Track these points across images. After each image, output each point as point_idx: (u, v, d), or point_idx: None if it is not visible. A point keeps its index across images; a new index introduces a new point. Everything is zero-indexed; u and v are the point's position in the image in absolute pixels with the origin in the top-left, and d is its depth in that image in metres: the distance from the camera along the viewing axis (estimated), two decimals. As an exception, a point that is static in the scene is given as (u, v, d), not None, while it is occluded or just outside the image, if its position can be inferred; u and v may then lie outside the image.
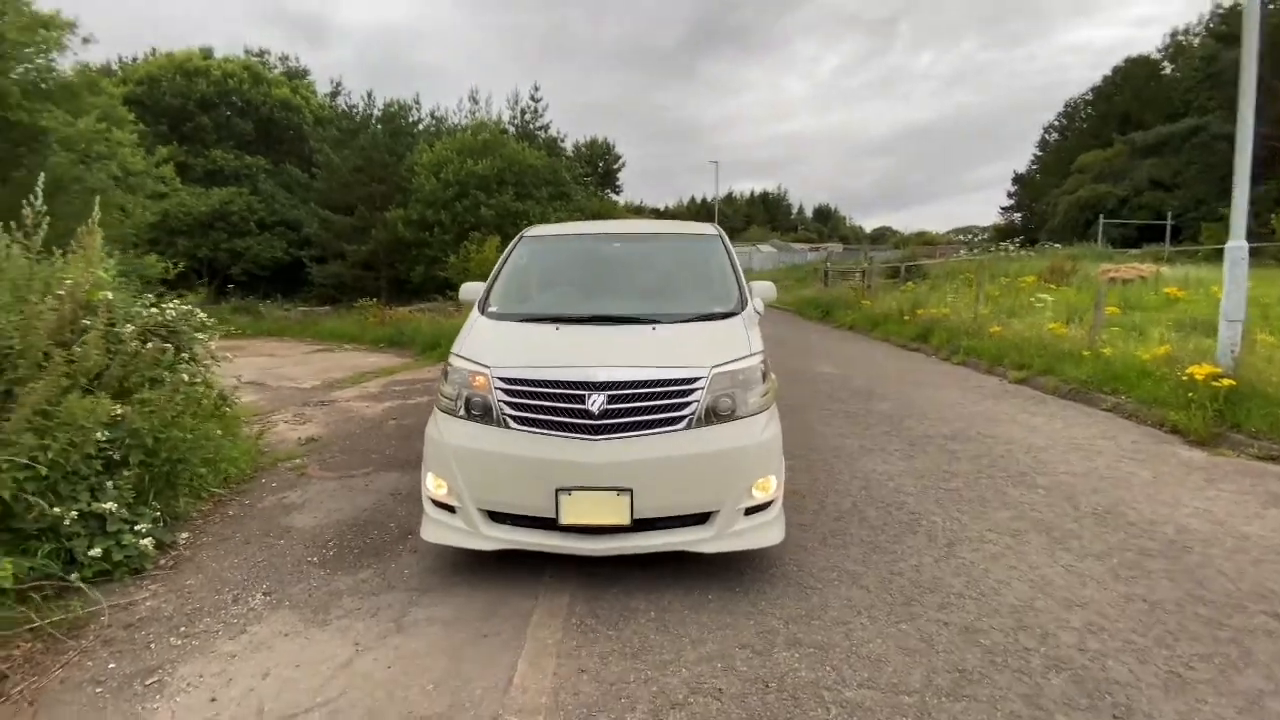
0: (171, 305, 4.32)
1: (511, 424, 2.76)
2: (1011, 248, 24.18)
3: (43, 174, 4.24)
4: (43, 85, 9.51)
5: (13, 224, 3.56)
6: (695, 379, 2.78)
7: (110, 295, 3.83)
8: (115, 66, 21.41)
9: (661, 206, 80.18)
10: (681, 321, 3.28)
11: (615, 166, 32.48)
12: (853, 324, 14.84)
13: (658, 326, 3.19)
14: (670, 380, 2.77)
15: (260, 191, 19.78)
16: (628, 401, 2.71)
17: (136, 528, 2.99)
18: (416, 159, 18.19)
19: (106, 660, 2.35)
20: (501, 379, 2.82)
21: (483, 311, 3.47)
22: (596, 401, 2.69)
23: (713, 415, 2.78)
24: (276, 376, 9.17)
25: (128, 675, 2.26)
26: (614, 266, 4.01)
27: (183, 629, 2.56)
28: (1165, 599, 2.75)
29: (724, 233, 4.35)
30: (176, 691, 2.17)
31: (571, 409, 2.71)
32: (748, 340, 3.10)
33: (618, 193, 34.13)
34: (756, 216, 77.83)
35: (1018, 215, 36.17)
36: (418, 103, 20.92)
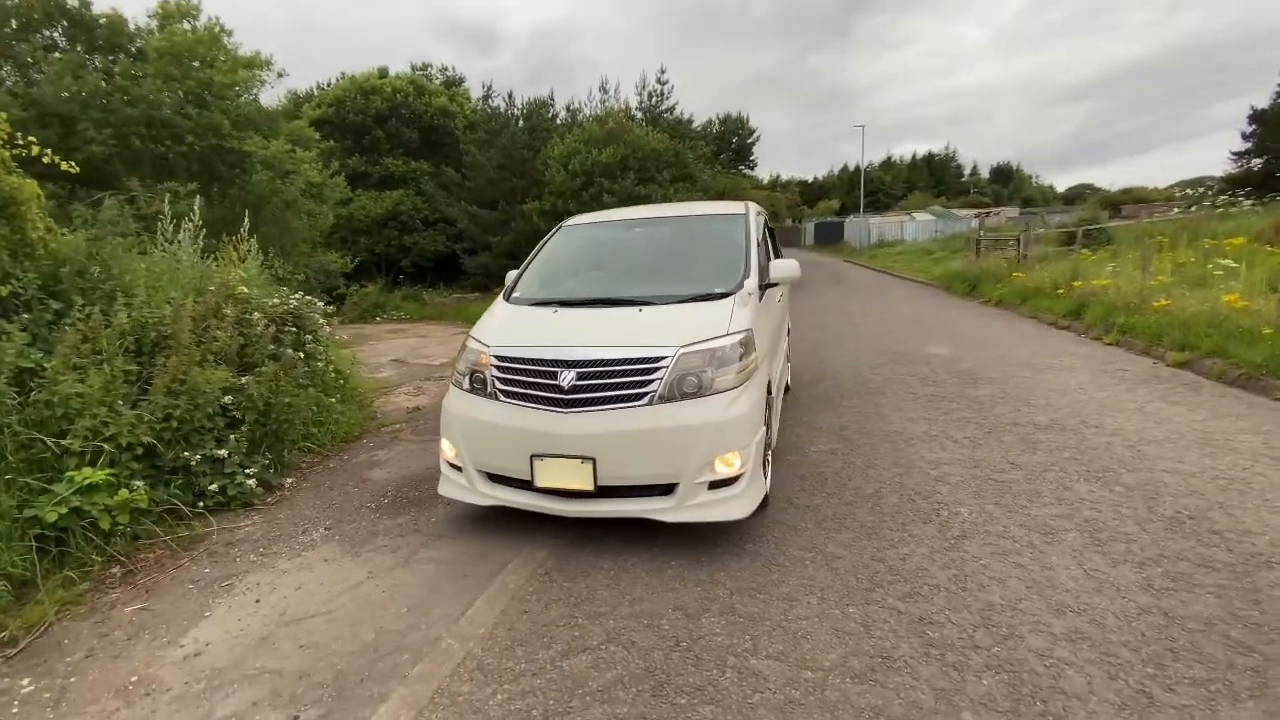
0: (295, 297, 5.31)
1: (500, 397, 3.12)
2: (1246, 202, 19.69)
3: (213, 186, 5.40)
4: (246, 116, 11.71)
5: (171, 230, 4.63)
6: (660, 358, 2.92)
7: (246, 290, 4.85)
8: (314, 91, 25.54)
9: (810, 178, 76.57)
10: (674, 302, 3.39)
11: (750, 141, 31.70)
12: (1000, 299, 13.28)
13: (645, 308, 3.34)
14: (635, 359, 2.94)
15: (424, 192, 22.43)
16: (595, 378, 2.94)
17: (247, 471, 3.85)
18: (549, 153, 19.39)
19: (205, 567, 3.13)
20: (496, 357, 3.19)
21: (506, 298, 3.86)
22: (567, 378, 2.95)
23: (677, 392, 2.90)
24: (417, 355, 10.55)
25: (213, 579, 3.00)
26: (631, 251, 4.19)
27: (261, 550, 3.29)
28: (1191, 613, 2.38)
29: (754, 210, 4.32)
30: (237, 593, 2.86)
31: (546, 384, 3.00)
32: (729, 320, 3.14)
33: (751, 168, 33.31)
34: (919, 181, 71.13)
35: (1257, 161, 28.95)
36: (552, 99, 22.20)
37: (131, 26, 11.71)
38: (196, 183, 11.66)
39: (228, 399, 3.96)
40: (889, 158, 76.03)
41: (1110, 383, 6.07)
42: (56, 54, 9.91)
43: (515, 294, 3.88)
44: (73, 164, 4.04)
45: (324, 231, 15.41)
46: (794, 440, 4.69)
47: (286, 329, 4.98)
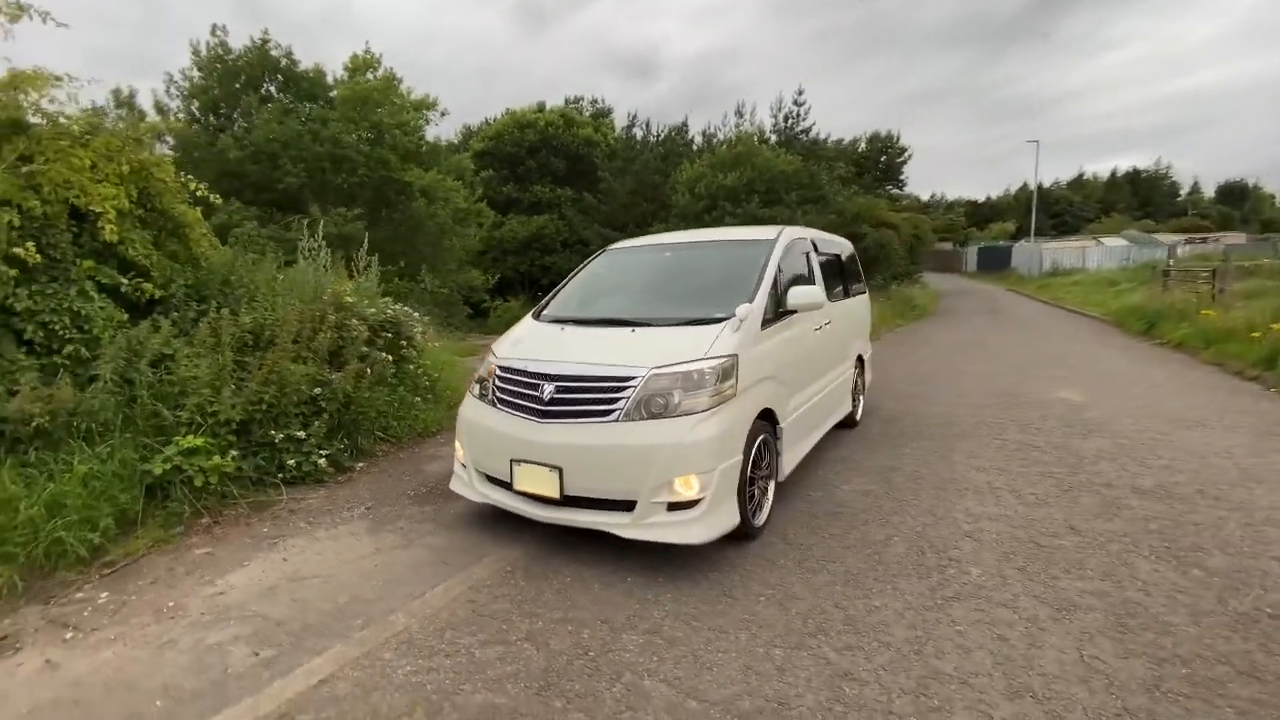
0: (395, 308, 6.11)
1: (497, 404, 3.42)
2: None
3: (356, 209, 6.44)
4: (409, 150, 13.58)
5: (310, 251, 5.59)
6: (630, 378, 3.03)
7: (351, 299, 5.70)
8: (483, 126, 28.74)
9: (982, 197, 69.91)
10: (671, 325, 3.47)
11: (900, 159, 29.78)
12: (1180, 341, 11.21)
13: (640, 329, 3.46)
14: (608, 377, 3.07)
15: (565, 217, 24.16)
16: (571, 392, 3.12)
17: (321, 452, 4.53)
18: (677, 177, 19.93)
19: (265, 527, 3.77)
20: (499, 367, 3.50)
21: (535, 315, 4.18)
22: (547, 390, 3.16)
23: (645, 411, 2.98)
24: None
25: (265, 537, 3.62)
26: (657, 275, 4.31)
27: (310, 519, 3.88)
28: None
29: (790, 236, 4.25)
30: (275, 551, 3.42)
31: (531, 394, 3.24)
32: (711, 345, 3.16)
33: (900, 187, 31.17)
34: (1118, 201, 61.93)
35: None
36: (686, 126, 22.83)
37: (330, 79, 14.21)
38: (363, 208, 13.77)
39: (317, 390, 4.71)
40: (1080, 175, 67.17)
41: (1273, 449, 4.96)
42: (269, 104, 12.30)
43: (544, 311, 4.19)
44: (217, 196, 5.09)
45: (471, 251, 17.26)
46: (826, 477, 4.46)
47: (383, 334, 5.77)
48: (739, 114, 22.22)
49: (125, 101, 11.77)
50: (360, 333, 5.39)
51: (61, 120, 4.39)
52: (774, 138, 22.10)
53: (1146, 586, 2.88)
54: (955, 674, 2.27)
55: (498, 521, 3.67)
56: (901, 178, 30.66)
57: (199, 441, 3.78)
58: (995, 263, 36.28)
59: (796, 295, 3.78)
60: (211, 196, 4.98)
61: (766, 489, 3.59)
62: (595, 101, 30.42)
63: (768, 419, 3.55)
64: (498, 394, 3.43)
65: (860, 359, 6.01)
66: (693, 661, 2.35)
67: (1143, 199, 62.97)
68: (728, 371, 3.11)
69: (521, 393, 3.29)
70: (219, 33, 12.30)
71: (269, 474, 4.25)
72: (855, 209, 20.30)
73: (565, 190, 25.11)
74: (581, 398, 3.09)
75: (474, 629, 2.58)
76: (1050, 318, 17.02)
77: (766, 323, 3.62)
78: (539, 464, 3.09)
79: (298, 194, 11.97)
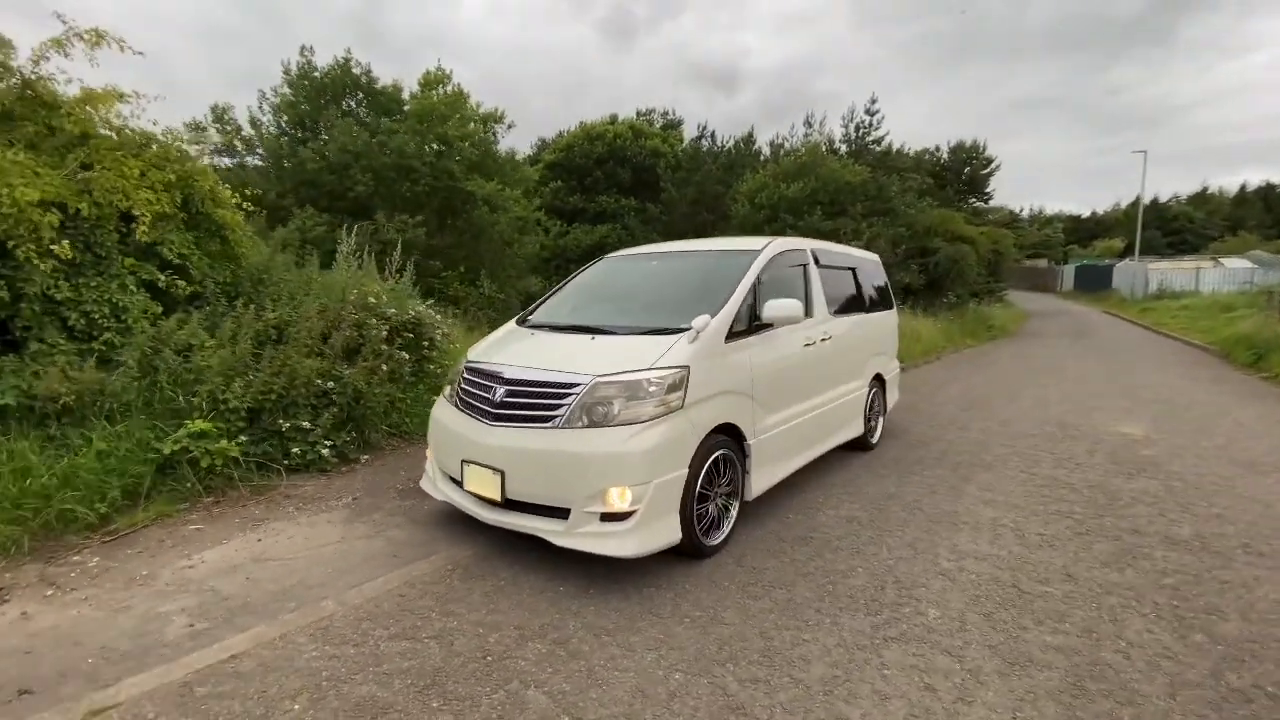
0: (419, 309, 6.39)
1: (458, 404, 3.50)
2: None
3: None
4: (473, 161, 14.19)
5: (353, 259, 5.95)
6: (574, 385, 3.02)
7: (374, 300, 6.01)
8: (557, 138, 29.69)
9: (1086, 212, 64.78)
10: (633, 334, 3.43)
11: (985, 171, 27.94)
12: (1293, 375, 9.91)
13: (601, 337, 3.45)
14: (552, 383, 3.08)
15: (627, 227, 24.45)
16: (518, 396, 3.15)
17: (326, 442, 4.80)
18: (738, 188, 19.71)
19: (257, 509, 4.02)
20: (465, 368, 3.59)
21: (518, 320, 4.25)
22: (499, 393, 3.21)
23: (584, 419, 2.96)
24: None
25: (253, 518, 3.86)
26: (638, 284, 4.27)
27: (299, 505, 4.11)
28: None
29: (777, 248, 4.12)
30: (255, 532, 3.64)
31: (485, 397, 3.29)
32: (662, 356, 3.10)
33: (985, 199, 29.21)
34: (1248, 218, 55.57)
35: None
36: (753, 137, 22.55)
37: (406, 94, 15.11)
38: (430, 216, 14.50)
39: (330, 384, 5.00)
40: (1204, 189, 60.78)
41: (1361, 503, 4.29)
42: (349, 118, 13.23)
43: (529, 316, 4.25)
44: (251, 204, 5.51)
45: (533, 259, 17.80)
46: (814, 500, 4.26)
47: (404, 334, 6.05)
48: (808, 124, 21.62)
49: (220, 115, 13.04)
50: (379, 332, 5.68)
51: (127, 132, 4.92)
52: (844, 148, 21.44)
53: (1129, 649, 2.55)
54: (858, 720, 2.10)
55: (461, 521, 3.75)
56: (987, 190, 28.81)
57: (207, 425, 4.10)
58: (1094, 282, 33.40)
59: (772, 308, 3.64)
60: (250, 205, 5.41)
61: (728, 508, 3.47)
62: (666, 113, 30.68)
63: (731, 434, 3.44)
64: (460, 394, 3.52)
65: (880, 378, 5.70)
66: (586, 676, 2.30)
67: (1277, 216, 56.11)
68: (675, 383, 3.04)
69: (477, 394, 3.35)
70: (306, 53, 13.41)
71: (275, 460, 4.54)
72: (927, 222, 19.30)
73: (630, 200, 25.41)
74: (527, 402, 3.11)
75: (391, 622, 2.64)
76: (1144, 344, 15.49)
77: (736, 335, 3.51)
78: (484, 466, 3.14)
79: (367, 202, 12.78)
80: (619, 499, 2.85)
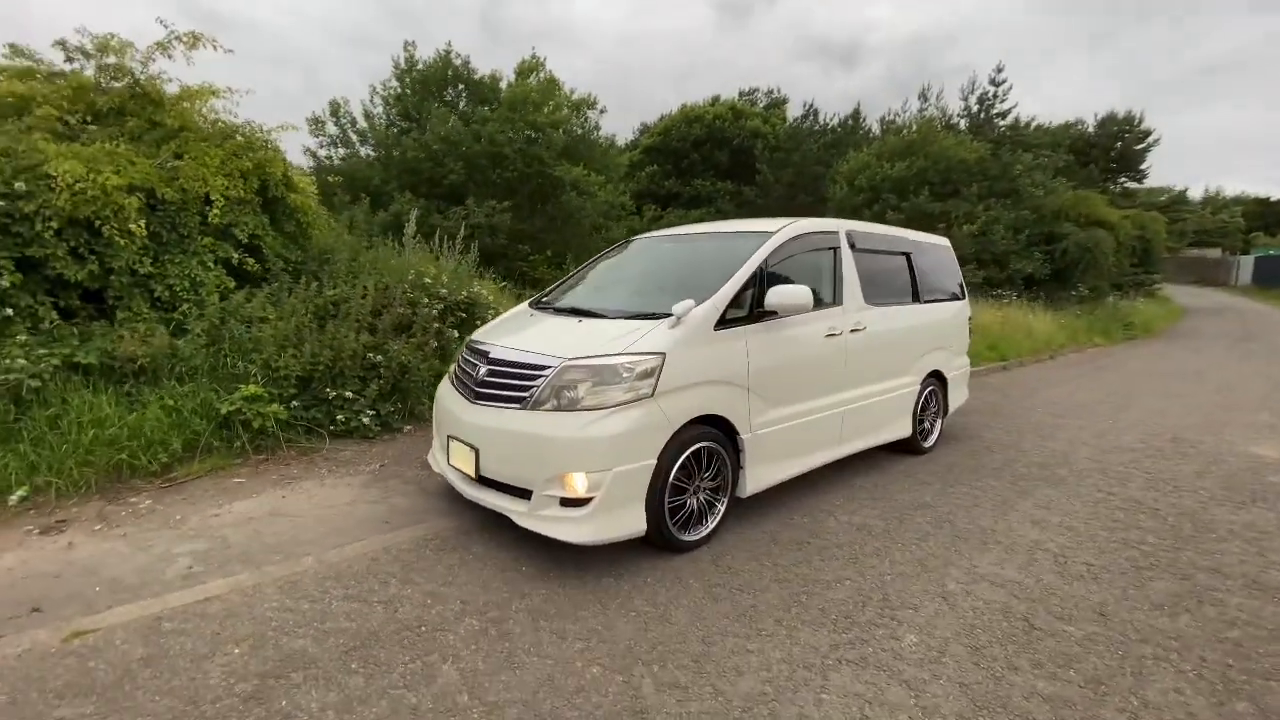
0: (473, 290, 6.65)
1: (453, 380, 3.60)
2: None
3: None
4: (562, 147, 14.49)
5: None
6: (545, 367, 3.00)
7: (429, 281, 6.32)
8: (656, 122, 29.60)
9: (1278, 194, 54.62)
10: (620, 317, 3.34)
11: (1141, 146, 24.12)
12: None
13: (588, 320, 3.39)
14: (525, 364, 3.07)
15: (722, 211, 23.92)
16: (498, 376, 3.18)
17: (369, 411, 5.15)
18: (838, 169, 18.60)
19: (295, 469, 4.40)
20: (465, 345, 3.68)
21: (532, 302, 4.28)
22: (481, 371, 3.26)
23: (551, 401, 2.94)
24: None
25: (289, 477, 4.23)
26: (649, 267, 4.14)
27: (332, 468, 4.45)
28: None
29: (792, 230, 3.81)
30: (283, 489, 3.98)
31: (470, 375, 3.36)
32: (637, 341, 2.99)
33: (1139, 179, 25.34)
34: None
35: None
36: (858, 114, 21.10)
37: (504, 84, 15.69)
38: (523, 201, 15.03)
39: (379, 358, 5.35)
40: None
41: None
42: (446, 108, 13.96)
43: (543, 298, 4.27)
44: (336, 191, 5.94)
45: (613, 244, 17.99)
46: (830, 502, 3.96)
47: (457, 313, 6.33)
48: (923, 98, 19.87)
49: (335, 110, 14.25)
50: (430, 310, 5.98)
51: (218, 124, 5.51)
52: (963, 123, 19.52)
53: (1139, 710, 2.14)
54: (765, 744, 1.92)
55: (458, 496, 3.87)
56: (1142, 167, 25.07)
57: (259, 390, 4.53)
58: (1279, 276, 28.26)
59: (776, 295, 3.38)
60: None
61: (713, 504, 3.31)
62: (771, 91, 29.54)
63: (720, 426, 3.26)
64: (456, 371, 3.61)
65: (939, 376, 5.18)
66: (504, 658, 2.29)
67: None
68: (647, 370, 2.92)
69: (467, 372, 3.43)
70: (409, 47, 14.29)
71: (321, 425, 4.94)
72: (1057, 204, 17.18)
73: (727, 184, 24.84)
74: (504, 382, 3.13)
75: (352, 584, 2.79)
76: (1331, 350, 12.92)
77: (733, 322, 3.31)
78: (464, 442, 3.21)
79: (461, 188, 13.48)
80: (577, 485, 2.80)
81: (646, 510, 2.94)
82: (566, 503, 2.84)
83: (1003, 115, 19.08)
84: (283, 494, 3.89)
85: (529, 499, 2.95)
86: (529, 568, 2.99)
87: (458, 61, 14.58)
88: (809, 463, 3.87)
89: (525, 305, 4.22)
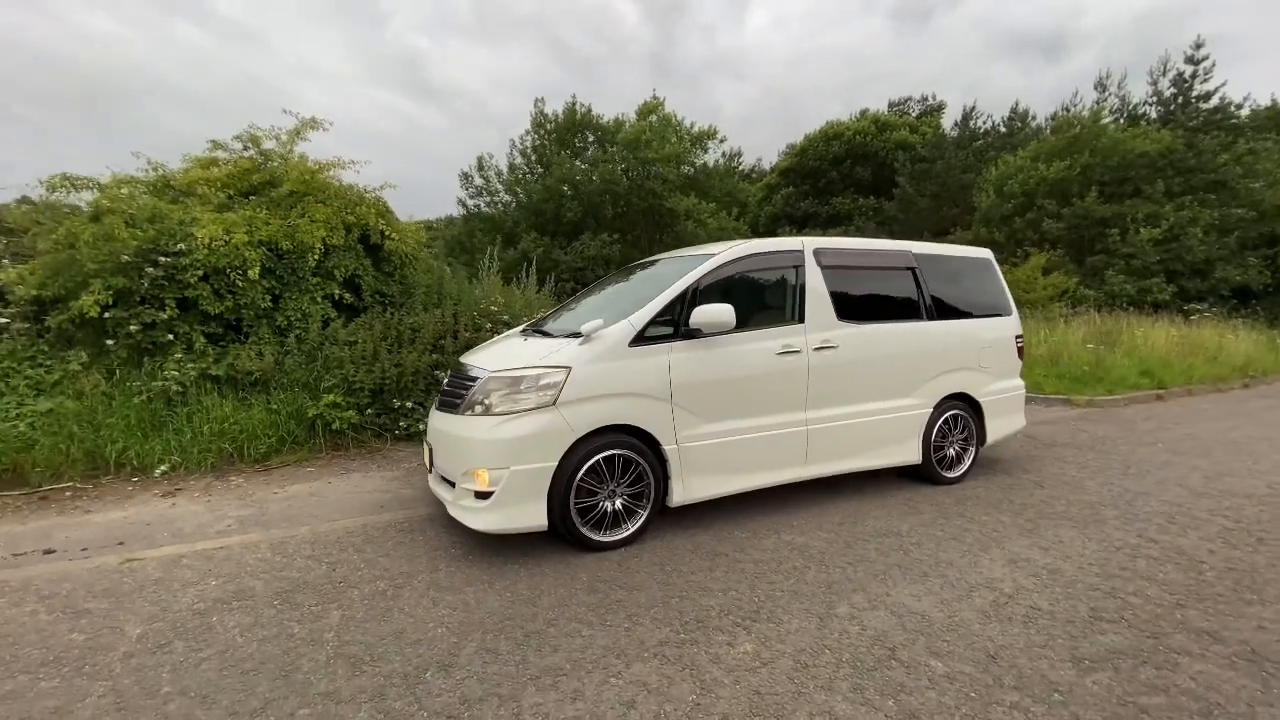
0: (534, 314, 7.42)
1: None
2: None
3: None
4: (674, 180, 15.20)
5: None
6: (476, 378, 3.51)
7: (495, 308, 7.21)
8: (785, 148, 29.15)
9: None
10: (561, 336, 3.73)
11: None
12: None
13: (532, 338, 3.86)
14: (468, 376, 3.62)
15: (860, 229, 22.77)
16: (452, 386, 3.75)
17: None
18: (986, 176, 16.84)
19: (354, 463, 5.39)
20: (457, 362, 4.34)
21: (528, 323, 4.83)
22: (444, 382, 3.87)
23: (478, 407, 3.42)
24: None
25: (347, 469, 5.20)
26: (608, 291, 4.48)
27: (381, 463, 5.36)
28: None
29: (736, 252, 3.92)
30: (335, 478, 4.94)
31: (443, 385, 3.98)
32: (549, 356, 3.38)
33: None
34: None
35: None
36: (1019, 112, 18.89)
37: (629, 126, 16.89)
38: (639, 232, 15.95)
39: (439, 373, 6.29)
40: None
41: None
42: (565, 153, 15.42)
43: (536, 321, 4.80)
44: (417, 238, 7.11)
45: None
46: (782, 523, 3.92)
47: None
48: (1099, 87, 17.24)
49: (481, 163, 16.44)
50: (489, 333, 6.84)
51: (335, 188, 6.96)
52: (1151, 110, 16.57)
53: (930, 745, 2.00)
54: None
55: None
56: None
57: (339, 398, 5.65)
58: None
59: (698, 314, 3.55)
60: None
61: (635, 510, 3.52)
62: (925, 99, 27.63)
63: (640, 438, 3.49)
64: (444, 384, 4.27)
65: (968, 400, 4.75)
66: (381, 612, 2.79)
67: None
68: (550, 382, 3.28)
69: (443, 383, 4.06)
70: (539, 103, 16.10)
71: (388, 429, 5.96)
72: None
73: (868, 200, 23.67)
74: (454, 391, 3.69)
75: (319, 548, 3.50)
76: None
77: (653, 339, 3.55)
78: (427, 442, 3.82)
79: (580, 224, 14.76)
80: (483, 479, 3.24)
81: (549, 507, 3.28)
82: (479, 495, 3.29)
83: (1204, 98, 15.88)
84: (330, 481, 4.84)
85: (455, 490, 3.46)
86: (457, 550, 3.47)
87: (581, 110, 16.05)
88: (759, 480, 3.88)
89: (520, 328, 4.79)
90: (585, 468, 3.34)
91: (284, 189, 6.39)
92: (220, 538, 3.68)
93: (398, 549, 3.51)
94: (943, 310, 4.67)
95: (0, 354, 4.89)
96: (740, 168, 22.57)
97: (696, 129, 17.27)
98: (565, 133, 16.26)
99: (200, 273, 5.42)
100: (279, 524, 3.89)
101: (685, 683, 2.32)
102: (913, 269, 4.61)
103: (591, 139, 16.82)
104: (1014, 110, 19.81)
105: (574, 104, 16.13)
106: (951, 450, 4.71)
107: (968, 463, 4.80)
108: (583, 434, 3.33)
